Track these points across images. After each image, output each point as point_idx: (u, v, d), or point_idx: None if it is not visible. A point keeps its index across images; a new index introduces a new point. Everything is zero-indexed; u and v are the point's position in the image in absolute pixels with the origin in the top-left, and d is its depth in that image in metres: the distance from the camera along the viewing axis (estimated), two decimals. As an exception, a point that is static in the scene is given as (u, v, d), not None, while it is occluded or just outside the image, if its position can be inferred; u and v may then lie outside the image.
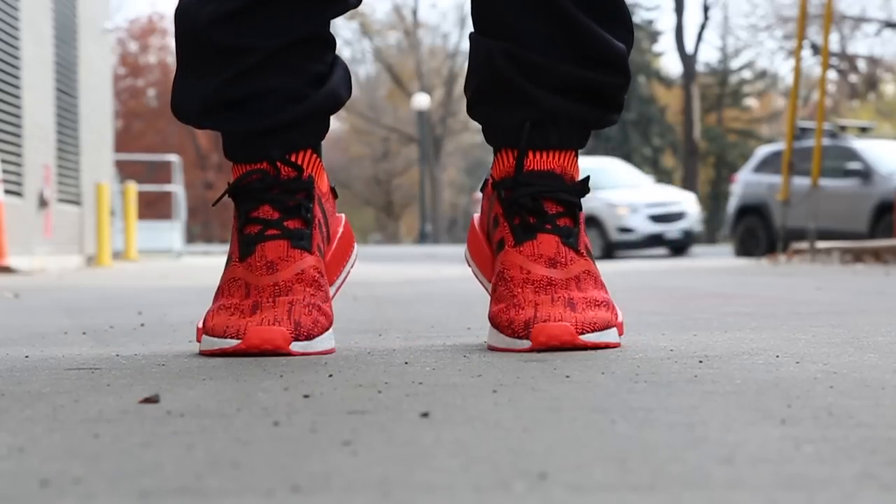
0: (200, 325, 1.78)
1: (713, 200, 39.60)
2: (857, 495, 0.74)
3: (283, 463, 0.87)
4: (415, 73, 44.80)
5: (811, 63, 34.55)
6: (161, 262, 13.57)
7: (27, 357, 1.78)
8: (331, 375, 1.44)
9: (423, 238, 34.49)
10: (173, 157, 17.76)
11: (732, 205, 15.43)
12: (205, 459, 0.89)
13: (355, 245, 2.01)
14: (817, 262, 8.88)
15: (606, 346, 1.71)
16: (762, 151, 15.56)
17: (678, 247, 17.12)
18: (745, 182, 15.24)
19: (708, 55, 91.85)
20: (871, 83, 39.53)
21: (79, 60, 12.66)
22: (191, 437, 0.99)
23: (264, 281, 1.76)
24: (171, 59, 42.47)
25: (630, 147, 37.30)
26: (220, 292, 1.81)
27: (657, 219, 16.89)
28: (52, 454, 0.92)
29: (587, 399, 1.19)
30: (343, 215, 2.00)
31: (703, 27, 39.66)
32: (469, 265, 1.99)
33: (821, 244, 9.44)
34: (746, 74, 42.88)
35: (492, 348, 1.77)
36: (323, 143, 1.89)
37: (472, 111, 1.90)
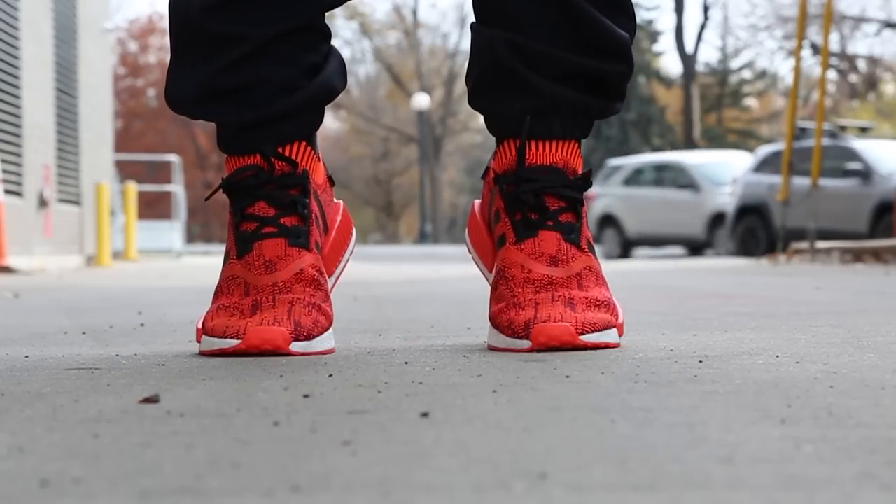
0: (200, 326, 1.77)
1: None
2: (857, 495, 0.74)
3: (283, 463, 0.87)
4: (415, 73, 44.76)
5: (811, 63, 34.55)
6: (161, 262, 13.56)
7: (27, 357, 1.78)
8: (331, 375, 1.44)
9: (422, 238, 34.48)
10: (173, 157, 17.75)
11: (732, 205, 15.43)
12: (205, 459, 0.89)
13: (354, 231, 2.00)
14: (817, 262, 8.88)
15: (606, 347, 1.71)
16: (762, 151, 15.54)
17: None
18: (744, 182, 15.22)
19: (708, 55, 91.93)
20: (871, 83, 39.50)
21: (79, 60, 12.66)
22: (191, 437, 0.99)
23: (263, 281, 1.75)
24: (171, 59, 42.42)
25: (630, 147, 37.22)
26: (220, 291, 1.80)
27: None
28: (52, 454, 0.92)
29: (587, 399, 1.19)
30: (341, 202, 1.98)
31: (702, 27, 39.63)
32: (469, 251, 1.98)
33: (821, 244, 9.43)
34: (746, 74, 42.84)
35: (492, 348, 1.77)
36: (323, 143, 1.89)
37: (474, 101, 1.89)
